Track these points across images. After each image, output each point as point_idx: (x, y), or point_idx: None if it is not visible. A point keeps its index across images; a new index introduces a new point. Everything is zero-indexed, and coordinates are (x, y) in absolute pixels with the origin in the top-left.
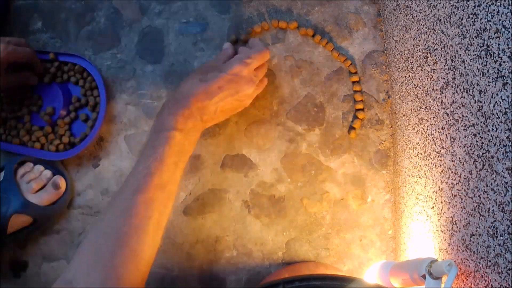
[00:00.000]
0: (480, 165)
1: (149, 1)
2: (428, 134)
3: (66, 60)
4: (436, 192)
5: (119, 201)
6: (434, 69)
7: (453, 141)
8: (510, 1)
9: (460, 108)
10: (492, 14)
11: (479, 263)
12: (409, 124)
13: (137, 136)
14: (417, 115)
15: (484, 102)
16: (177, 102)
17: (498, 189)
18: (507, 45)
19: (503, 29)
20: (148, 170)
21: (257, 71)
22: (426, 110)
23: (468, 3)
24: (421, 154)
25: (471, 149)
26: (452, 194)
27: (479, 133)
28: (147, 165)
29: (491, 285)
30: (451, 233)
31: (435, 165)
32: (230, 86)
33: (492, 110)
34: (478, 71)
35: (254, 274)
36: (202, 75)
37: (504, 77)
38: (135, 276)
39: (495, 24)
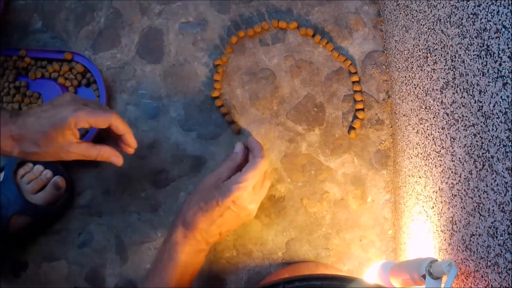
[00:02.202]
0: (480, 165)
1: (149, 1)
2: (428, 134)
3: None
4: (436, 192)
5: None
6: (434, 69)
7: (453, 141)
8: (510, 1)
9: (460, 108)
10: (492, 14)
11: (479, 263)
12: (409, 124)
13: (137, 136)
14: (417, 115)
15: (484, 102)
16: (184, 228)
17: (498, 189)
18: (507, 45)
19: (503, 29)
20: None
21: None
22: (426, 110)
23: (468, 3)
24: (421, 154)
25: (471, 149)
26: (452, 194)
27: (479, 133)
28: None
29: (491, 285)
30: (451, 233)
31: (435, 165)
32: (231, 211)
33: (492, 110)
34: (478, 71)
35: (254, 274)
36: (203, 202)
37: (504, 77)
38: None
39: (495, 24)
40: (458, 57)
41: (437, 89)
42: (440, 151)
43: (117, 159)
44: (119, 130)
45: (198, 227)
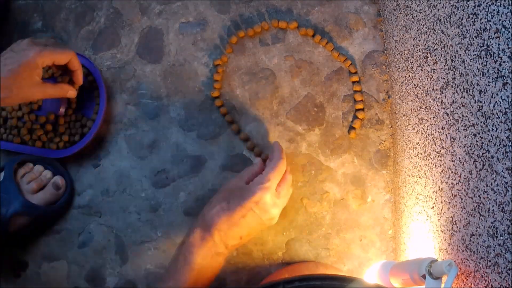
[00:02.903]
0: (480, 165)
1: (149, 1)
2: (428, 134)
3: None
4: (436, 192)
5: None
6: (434, 69)
7: (453, 141)
8: (510, 1)
9: (460, 108)
10: (492, 14)
11: (479, 263)
12: (409, 124)
13: (137, 136)
14: (417, 115)
15: (484, 102)
16: (202, 230)
17: (498, 189)
18: (507, 45)
19: (503, 29)
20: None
21: (280, 185)
22: (426, 110)
23: (468, 3)
24: (421, 154)
25: (471, 149)
26: (452, 194)
27: (479, 133)
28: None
29: (491, 285)
30: (451, 233)
31: (435, 165)
32: (253, 213)
33: (492, 110)
34: (478, 71)
35: (254, 274)
36: (225, 202)
37: (504, 77)
38: None
39: (495, 24)
40: (458, 57)
41: (437, 89)
42: (440, 151)
43: (73, 92)
44: (75, 65)
45: (218, 228)
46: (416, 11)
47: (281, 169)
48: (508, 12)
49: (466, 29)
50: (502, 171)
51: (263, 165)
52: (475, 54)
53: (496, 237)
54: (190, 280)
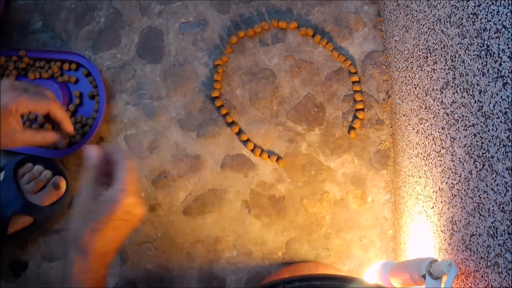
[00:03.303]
0: (480, 165)
1: (149, 1)
2: (428, 134)
3: (67, 58)
4: (436, 192)
5: None
6: (434, 69)
7: (453, 141)
8: (510, 1)
9: (460, 108)
10: (492, 14)
11: (479, 263)
12: (409, 124)
13: (137, 136)
14: (417, 115)
15: (484, 102)
16: (80, 256)
17: (498, 189)
18: (507, 45)
19: (503, 29)
20: None
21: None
22: (426, 110)
23: (468, 3)
24: (421, 154)
25: (471, 149)
26: (452, 194)
27: (479, 133)
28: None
29: (491, 285)
30: (451, 233)
31: (435, 165)
32: (123, 222)
33: (492, 110)
34: (478, 71)
35: (254, 274)
36: (92, 222)
37: (504, 77)
38: None
39: (495, 24)
40: (458, 57)
41: (437, 89)
42: (440, 151)
43: (61, 142)
44: (57, 116)
45: (98, 252)
46: (416, 11)
47: (132, 168)
48: (508, 12)
49: (466, 29)
50: (502, 171)
51: (98, 156)
52: (475, 54)
53: (496, 237)
54: None
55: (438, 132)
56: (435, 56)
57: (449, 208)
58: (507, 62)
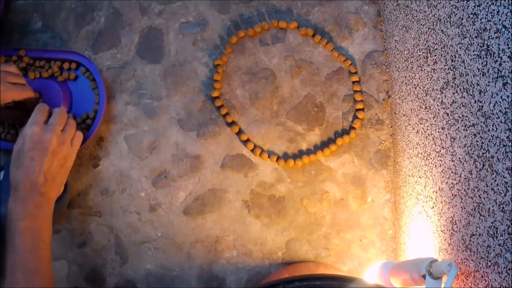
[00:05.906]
0: (480, 165)
1: (149, 1)
2: (428, 134)
3: (67, 57)
4: (436, 192)
5: None
6: (434, 69)
7: (453, 141)
8: (510, 1)
9: (460, 108)
10: (492, 14)
11: (479, 263)
12: (409, 124)
13: (137, 136)
14: (417, 115)
15: (484, 102)
16: (13, 191)
17: (498, 189)
18: (507, 45)
19: (503, 29)
20: (14, 268)
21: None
22: (426, 110)
23: (468, 3)
24: (421, 154)
25: (471, 149)
26: (452, 194)
27: (479, 133)
28: (11, 263)
29: (491, 285)
30: (451, 233)
31: (435, 165)
32: (39, 153)
33: (492, 110)
34: (478, 71)
35: (254, 274)
36: (15, 162)
37: (504, 77)
38: None
39: (495, 24)
40: (458, 57)
41: (437, 89)
42: (440, 151)
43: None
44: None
45: (18, 182)
46: (416, 11)
47: (62, 113)
48: (508, 12)
49: (466, 29)
50: (502, 171)
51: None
52: (475, 54)
53: (496, 237)
54: (25, 243)
55: (438, 132)
56: (435, 56)
57: (449, 208)
58: (507, 62)
